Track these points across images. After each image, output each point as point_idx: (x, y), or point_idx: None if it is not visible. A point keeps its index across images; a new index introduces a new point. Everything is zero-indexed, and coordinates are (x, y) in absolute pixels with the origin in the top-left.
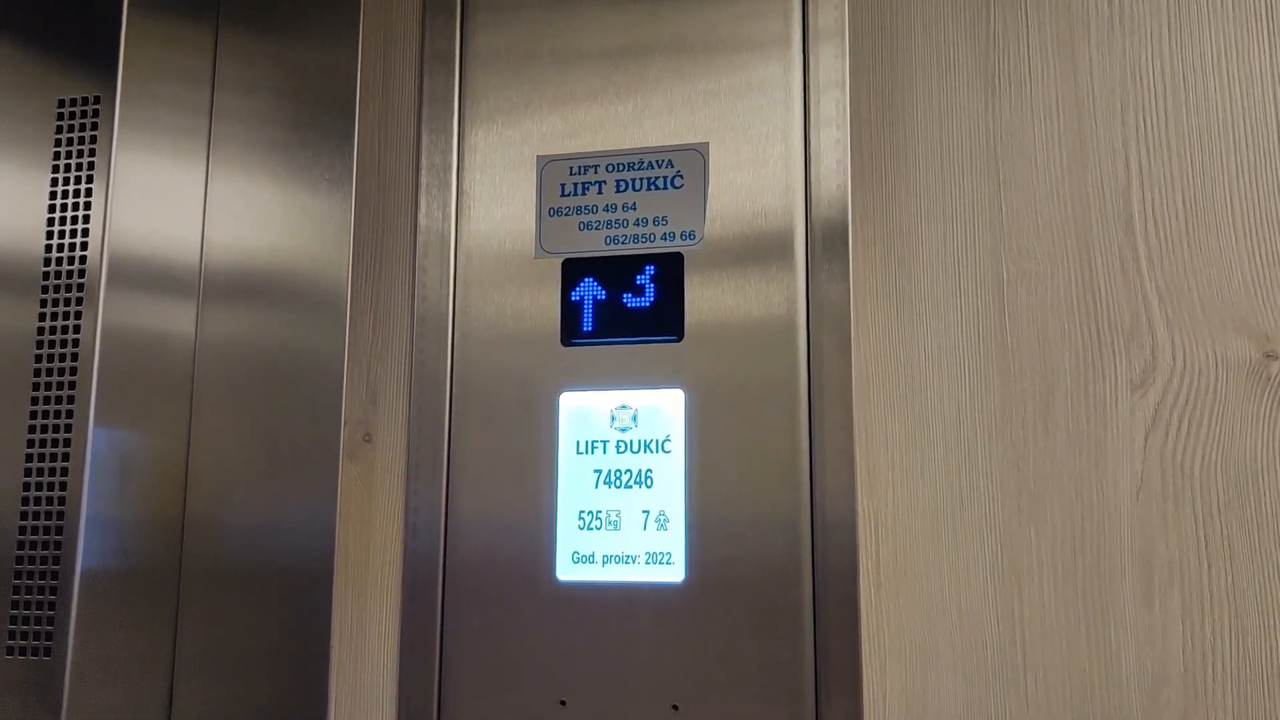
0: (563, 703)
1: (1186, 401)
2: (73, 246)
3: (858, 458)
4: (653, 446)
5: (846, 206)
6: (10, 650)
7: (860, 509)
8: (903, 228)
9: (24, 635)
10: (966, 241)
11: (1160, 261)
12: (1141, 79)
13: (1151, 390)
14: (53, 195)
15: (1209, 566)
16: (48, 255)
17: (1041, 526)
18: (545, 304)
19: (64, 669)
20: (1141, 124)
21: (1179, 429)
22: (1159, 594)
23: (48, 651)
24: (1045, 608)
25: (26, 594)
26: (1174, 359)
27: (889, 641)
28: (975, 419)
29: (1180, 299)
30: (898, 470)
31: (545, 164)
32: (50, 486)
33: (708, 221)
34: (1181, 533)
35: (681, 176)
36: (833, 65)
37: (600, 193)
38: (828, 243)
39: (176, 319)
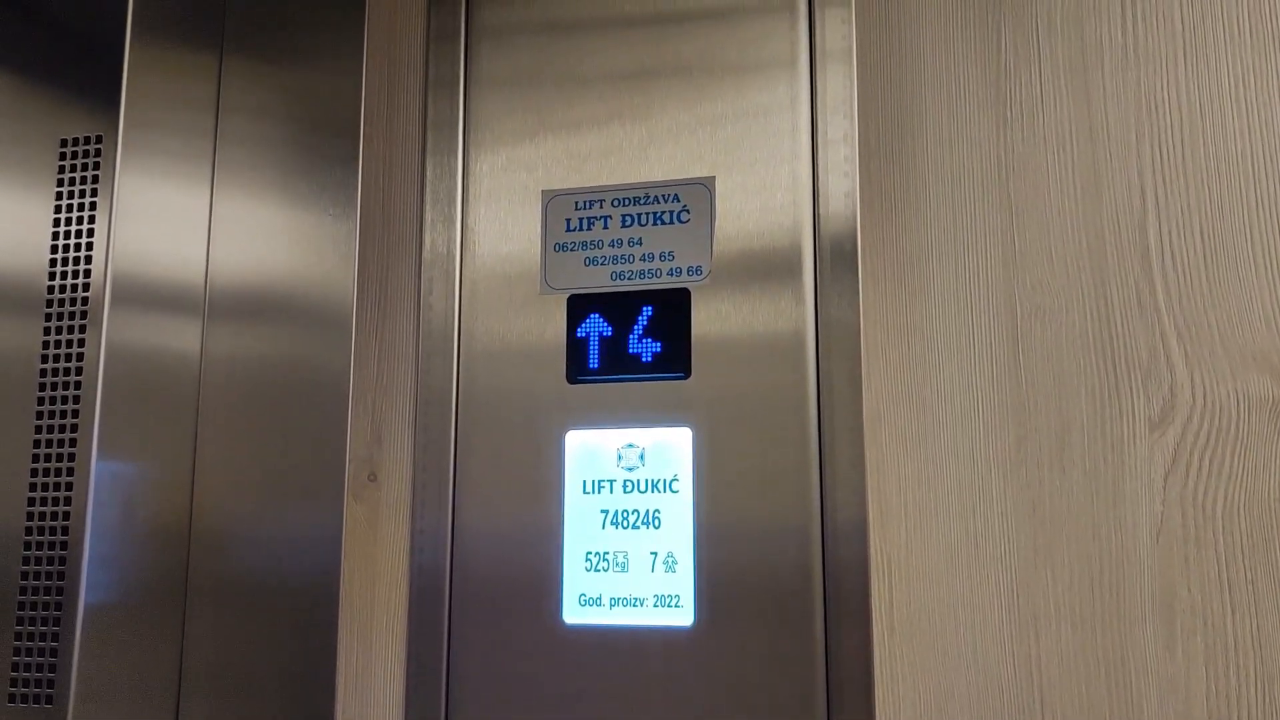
0: None
1: (1207, 440)
2: (76, 271)
3: (869, 498)
4: (660, 486)
5: (855, 236)
6: (12, 698)
7: (873, 550)
8: (913, 260)
9: (25, 683)
10: (978, 274)
11: (1178, 296)
12: (1157, 108)
13: (1171, 429)
14: (56, 223)
15: (1233, 611)
16: (51, 280)
17: (1058, 569)
18: (551, 340)
19: (66, 715)
20: (1157, 154)
21: (1200, 469)
22: (1181, 639)
23: (49, 699)
24: (1063, 652)
25: (29, 640)
26: (1194, 397)
27: (903, 687)
28: (989, 458)
29: (1200, 335)
30: (910, 511)
31: (551, 198)
32: (54, 516)
33: (714, 255)
34: (1204, 576)
35: (688, 211)
36: (840, 91)
37: (606, 227)
38: (836, 273)
39: (181, 342)
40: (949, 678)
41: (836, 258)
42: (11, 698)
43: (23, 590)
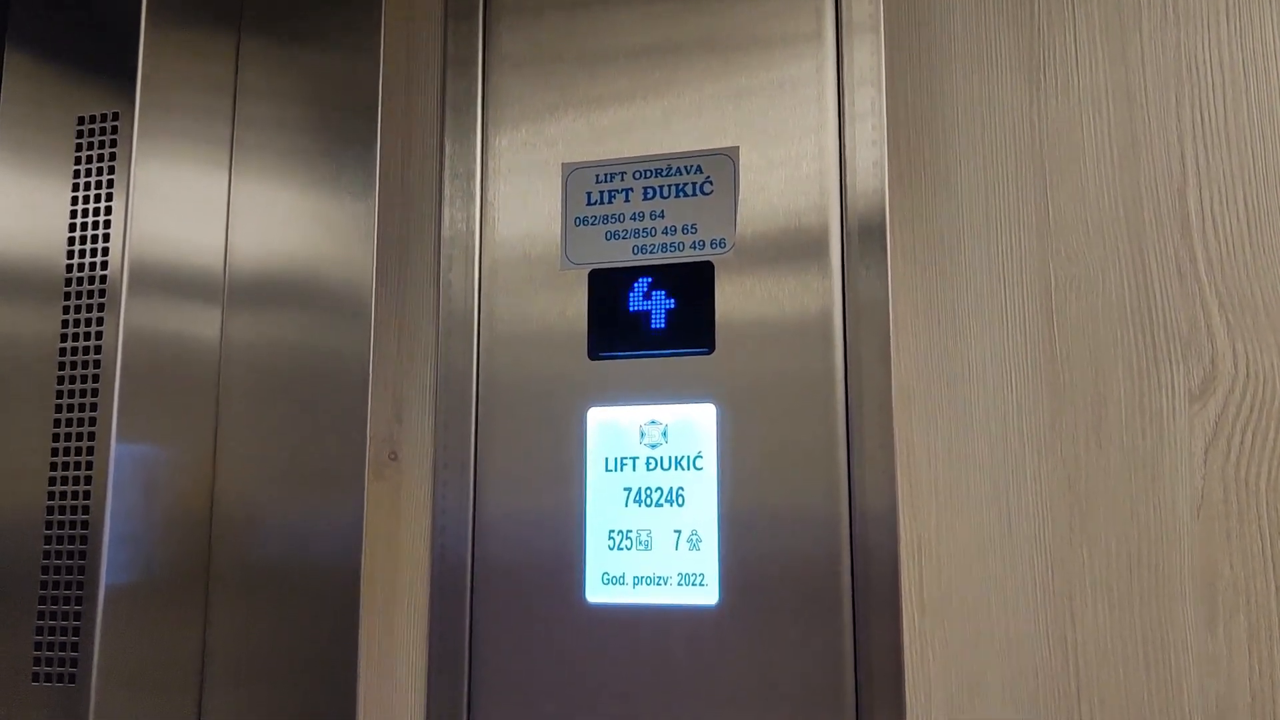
0: None
1: (1250, 413)
2: (95, 253)
3: (899, 477)
4: (684, 463)
5: (884, 209)
6: (36, 677)
7: (902, 530)
8: (943, 231)
9: (49, 662)
10: (1011, 245)
11: (1220, 265)
12: (1198, 71)
13: (1212, 401)
14: (74, 203)
15: (1277, 589)
16: (70, 263)
17: (1095, 547)
18: (572, 316)
19: (89, 695)
20: (1198, 119)
21: (1242, 442)
22: (1223, 618)
23: (73, 679)
24: (1101, 633)
25: (51, 619)
26: (1236, 368)
27: (934, 669)
28: (1023, 434)
29: (1242, 304)
30: (941, 489)
31: (571, 171)
32: (75, 495)
33: (738, 228)
34: (1246, 553)
35: (711, 182)
36: (868, 62)
37: (627, 201)
38: (865, 246)
39: (201, 325)
40: (982, 660)
41: (864, 230)
42: (35, 677)
43: (45, 570)
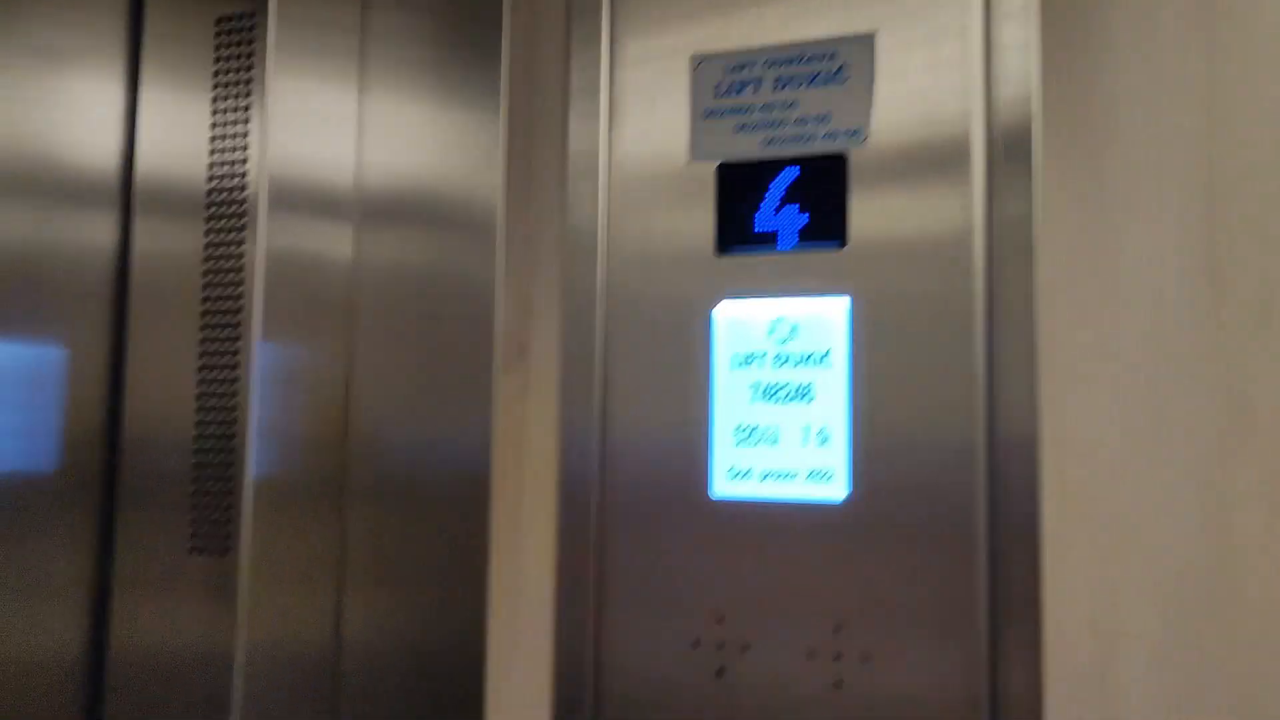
0: (720, 621)
1: None
2: (233, 164)
3: (1041, 370)
4: (813, 360)
5: (1031, 110)
6: (193, 549)
7: (1043, 425)
8: (1098, 113)
9: (205, 535)
10: (1172, 130)
11: None
12: None
13: None
14: (214, 115)
15: None
16: (210, 174)
17: (1257, 448)
18: (699, 212)
19: (241, 568)
20: None
21: None
22: None
23: (225, 550)
24: (1260, 538)
25: (205, 498)
26: None
27: (1073, 570)
28: (1179, 330)
29: None
30: (1087, 385)
31: (700, 63)
32: (221, 395)
33: (874, 119)
34: None
35: (846, 69)
36: None
37: (757, 91)
38: (1010, 149)
39: (335, 240)
40: (1126, 562)
41: (1010, 133)
42: (192, 549)
43: (196, 454)
